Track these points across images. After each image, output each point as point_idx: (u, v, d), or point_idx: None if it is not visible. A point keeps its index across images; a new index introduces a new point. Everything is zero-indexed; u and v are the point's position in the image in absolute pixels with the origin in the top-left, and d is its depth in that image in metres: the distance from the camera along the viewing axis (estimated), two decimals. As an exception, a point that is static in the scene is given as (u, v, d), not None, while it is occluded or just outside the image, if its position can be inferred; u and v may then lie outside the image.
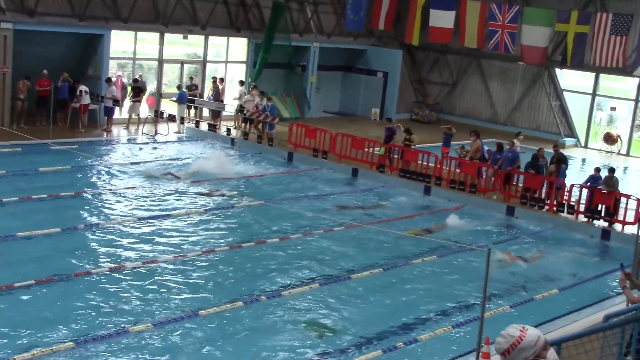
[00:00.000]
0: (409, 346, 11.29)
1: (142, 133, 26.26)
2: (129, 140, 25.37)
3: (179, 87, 28.56)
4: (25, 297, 11.67)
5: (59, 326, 10.77)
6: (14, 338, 10.22)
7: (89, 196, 17.77)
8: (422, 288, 13.86)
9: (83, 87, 25.34)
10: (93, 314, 11.30)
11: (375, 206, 19.75)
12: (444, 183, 21.68)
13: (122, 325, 10.97)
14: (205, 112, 29.84)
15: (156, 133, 26.44)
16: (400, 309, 12.76)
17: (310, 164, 23.89)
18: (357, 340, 11.34)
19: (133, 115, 26.83)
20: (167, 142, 25.78)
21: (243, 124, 27.81)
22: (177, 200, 18.17)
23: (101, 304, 11.70)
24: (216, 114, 28.52)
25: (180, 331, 11.00)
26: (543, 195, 20.45)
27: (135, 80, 27.38)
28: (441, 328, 12.06)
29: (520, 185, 20.84)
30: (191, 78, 29.49)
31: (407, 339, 11.47)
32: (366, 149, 23.47)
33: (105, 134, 25.71)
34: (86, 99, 25.44)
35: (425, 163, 22.09)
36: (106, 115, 26.07)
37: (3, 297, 11.56)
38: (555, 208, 20.00)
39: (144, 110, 27.95)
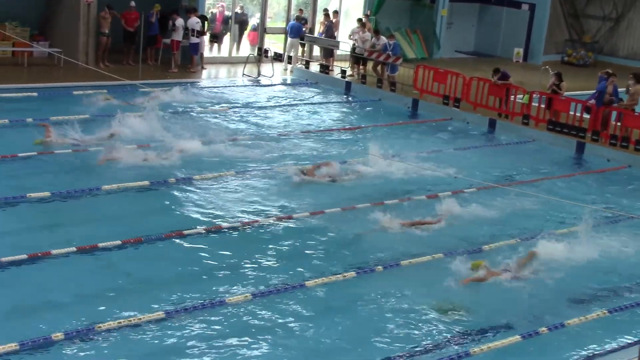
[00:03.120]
0: (553, 332, 11.01)
1: (243, 74, 26.55)
2: (228, 83, 25.71)
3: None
4: (111, 259, 12.03)
5: (146, 294, 11.05)
6: (96, 304, 10.56)
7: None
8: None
9: (179, 21, 25.74)
10: (185, 281, 11.53)
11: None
12: (602, 138, 20.95)
13: (217, 295, 11.13)
14: (316, 51, 29.81)
15: (259, 74, 26.68)
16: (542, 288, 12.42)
17: (439, 113, 23.55)
18: (491, 322, 11.12)
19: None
20: (272, 84, 25.99)
21: (357, 66, 27.62)
22: (281, 156, 18.28)
23: (194, 270, 11.91)
24: (328, 53, 28.46)
25: (281, 304, 11.07)
26: None
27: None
28: (594, 313, 11.69)
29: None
30: (300, 10, 29.50)
31: (552, 324, 11.17)
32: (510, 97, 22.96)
33: (201, 74, 26.19)
34: (180, 35, 25.85)
35: (577, 114, 21.45)
36: (191, 52, 26.45)
37: (86, 257, 11.95)
38: None
39: (245, 48, 28.27)
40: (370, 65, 27.06)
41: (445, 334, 10.72)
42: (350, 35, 27.97)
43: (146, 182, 15.34)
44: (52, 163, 16.03)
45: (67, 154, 16.57)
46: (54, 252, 11.81)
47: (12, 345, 9.14)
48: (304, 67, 28.02)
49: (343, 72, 26.81)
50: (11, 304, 10.36)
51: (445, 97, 23.86)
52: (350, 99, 25.38)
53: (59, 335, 9.50)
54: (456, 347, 10.36)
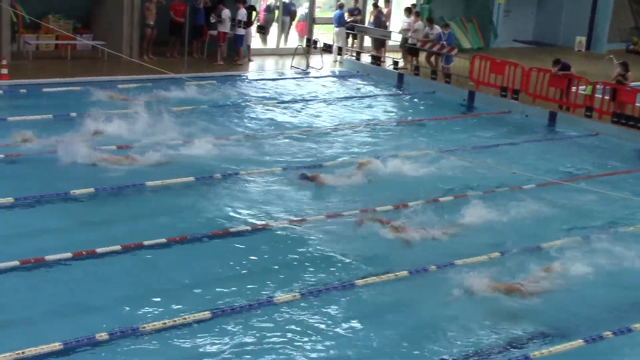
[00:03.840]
0: (619, 337, 10.82)
1: (291, 66, 26.61)
2: (275, 75, 25.79)
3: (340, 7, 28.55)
4: (154, 258, 12.13)
5: (191, 293, 11.12)
6: (140, 303, 10.66)
7: (227, 141, 18.12)
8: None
9: (226, 12, 25.87)
10: (231, 280, 11.56)
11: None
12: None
13: (266, 294, 11.16)
14: (367, 42, 29.75)
15: (307, 66, 26.72)
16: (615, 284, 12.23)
17: (496, 106, 23.36)
18: (551, 325, 11.00)
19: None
20: (320, 76, 26.01)
21: (409, 57, 27.50)
22: (331, 152, 18.28)
23: (241, 268, 11.96)
24: (380, 44, 28.38)
25: (332, 303, 11.05)
26: None
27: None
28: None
29: None
30: (355, 0, 29.42)
31: (617, 328, 10.99)
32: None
33: (248, 66, 26.33)
34: (226, 26, 25.99)
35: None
36: (236, 43, 26.54)
37: (131, 256, 12.05)
38: None
39: (294, 39, 28.35)
40: (423, 56, 26.93)
41: (504, 338, 10.63)
42: (401, 30, 27.81)
43: (191, 178, 15.45)
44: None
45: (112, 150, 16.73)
46: (99, 250, 11.94)
47: (56, 345, 9.26)
48: (354, 58, 27.99)
49: (395, 63, 26.73)
50: (56, 302, 10.49)
51: (503, 89, 23.66)
52: (402, 91, 25.28)
53: (103, 335, 9.60)
54: (515, 351, 10.26)
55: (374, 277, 11.86)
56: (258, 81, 24.94)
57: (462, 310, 11.14)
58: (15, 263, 11.24)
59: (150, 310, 10.48)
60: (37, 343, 9.24)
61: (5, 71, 21.32)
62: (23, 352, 9.06)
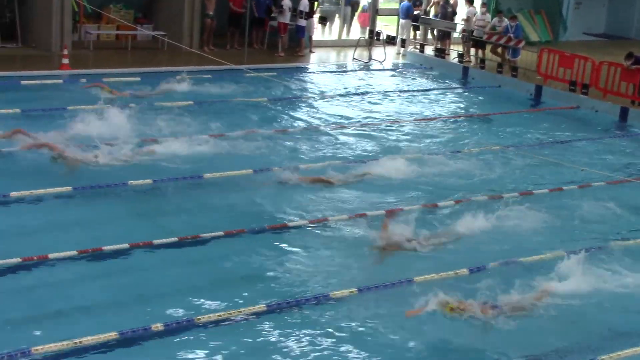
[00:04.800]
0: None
1: (353, 59, 26.62)
2: (337, 67, 25.84)
3: None
4: (211, 250, 12.26)
5: (245, 286, 11.18)
6: (196, 295, 10.76)
7: (284, 135, 18.21)
8: None
9: (287, 3, 25.97)
10: (286, 275, 11.62)
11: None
12: None
13: (321, 290, 11.19)
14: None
15: (370, 59, 26.70)
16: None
17: (565, 101, 23.10)
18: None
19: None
20: (383, 69, 26.00)
21: (474, 49, 27.29)
22: (392, 147, 18.27)
23: (297, 264, 11.99)
24: (444, 36, 28.24)
25: (387, 300, 11.02)
26: None
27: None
28: None
29: None
30: (419, -9, 29.37)
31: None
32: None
33: (309, 58, 26.42)
34: (287, 17, 26.11)
35: None
36: (298, 34, 26.64)
37: (187, 249, 12.19)
38: None
39: (356, 30, 28.36)
40: (488, 48, 26.73)
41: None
42: (466, 18, 27.61)
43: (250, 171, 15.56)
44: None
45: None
46: (155, 242, 12.10)
47: (112, 335, 9.43)
48: (417, 50, 27.89)
49: (460, 56, 26.57)
50: (111, 293, 10.68)
51: (572, 84, 23.36)
52: (467, 85, 25.14)
53: (158, 326, 9.74)
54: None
55: (434, 274, 11.80)
56: (319, 73, 25.01)
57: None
58: (74, 252, 11.47)
59: (205, 302, 10.59)
60: (94, 332, 9.42)
61: (66, 61, 21.72)
62: (80, 341, 9.24)
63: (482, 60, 26.21)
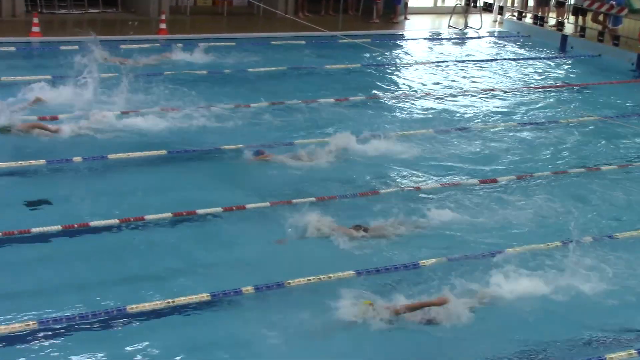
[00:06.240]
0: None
1: (449, 26, 26.42)
2: (432, 35, 25.73)
3: None
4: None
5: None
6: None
7: (373, 103, 18.25)
8: None
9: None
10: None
11: None
12: None
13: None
14: (531, 1, 29.16)
15: (466, 26, 26.45)
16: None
17: (667, 71, 22.60)
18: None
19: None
20: (479, 37, 25.77)
21: (575, 17, 26.79)
22: (485, 115, 18.16)
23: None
24: (543, 3, 27.75)
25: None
26: None
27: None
28: None
29: None
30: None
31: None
32: None
33: (404, 25, 26.37)
34: (382, -17, 26.09)
35: None
36: (394, 1, 26.55)
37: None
38: None
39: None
40: (589, 16, 26.18)
41: None
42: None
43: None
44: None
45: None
46: (248, 206, 12.34)
47: (204, 296, 9.73)
48: (515, 18, 27.50)
49: (559, 23, 26.09)
50: (203, 255, 10.98)
51: (676, 53, 22.80)
52: (565, 54, 24.70)
53: (249, 289, 9.96)
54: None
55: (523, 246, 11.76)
56: (414, 40, 24.93)
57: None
58: (168, 215, 11.81)
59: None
60: (186, 293, 9.75)
61: (163, 26, 22.14)
62: (173, 301, 9.58)
63: (582, 29, 25.69)
